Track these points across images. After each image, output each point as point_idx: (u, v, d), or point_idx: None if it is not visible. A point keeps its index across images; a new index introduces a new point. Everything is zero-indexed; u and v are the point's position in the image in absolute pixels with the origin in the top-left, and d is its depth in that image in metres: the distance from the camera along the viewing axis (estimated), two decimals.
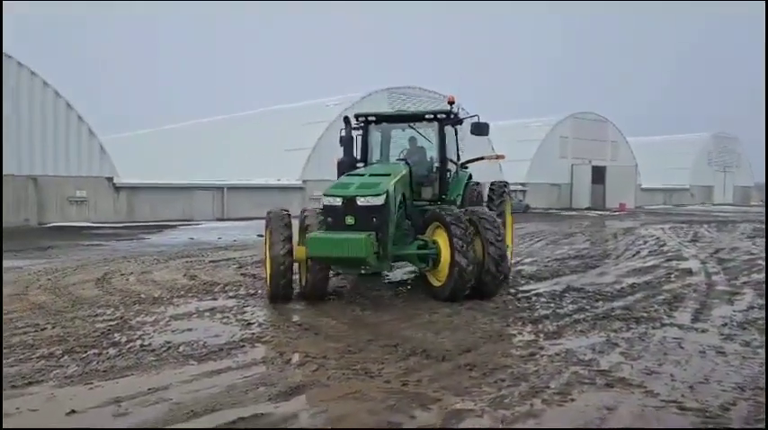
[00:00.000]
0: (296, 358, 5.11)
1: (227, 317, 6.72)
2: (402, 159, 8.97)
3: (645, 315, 6.77)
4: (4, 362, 4.97)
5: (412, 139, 9.31)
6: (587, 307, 7.23)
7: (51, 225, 20.69)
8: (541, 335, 5.85)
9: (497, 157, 10.43)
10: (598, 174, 39.01)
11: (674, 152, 48.48)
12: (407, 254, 7.72)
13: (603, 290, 8.43)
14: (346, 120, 9.03)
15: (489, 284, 7.52)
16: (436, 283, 7.66)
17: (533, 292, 8.23)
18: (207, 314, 6.87)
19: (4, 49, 20.52)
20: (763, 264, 11.23)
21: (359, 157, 9.15)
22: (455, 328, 6.13)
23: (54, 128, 21.67)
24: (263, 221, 8.20)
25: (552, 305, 7.33)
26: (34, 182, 21.09)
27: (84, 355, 5.17)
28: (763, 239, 16.22)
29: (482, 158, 9.86)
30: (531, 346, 5.47)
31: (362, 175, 7.79)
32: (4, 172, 20.44)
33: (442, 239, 7.54)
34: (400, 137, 9.49)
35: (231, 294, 8.09)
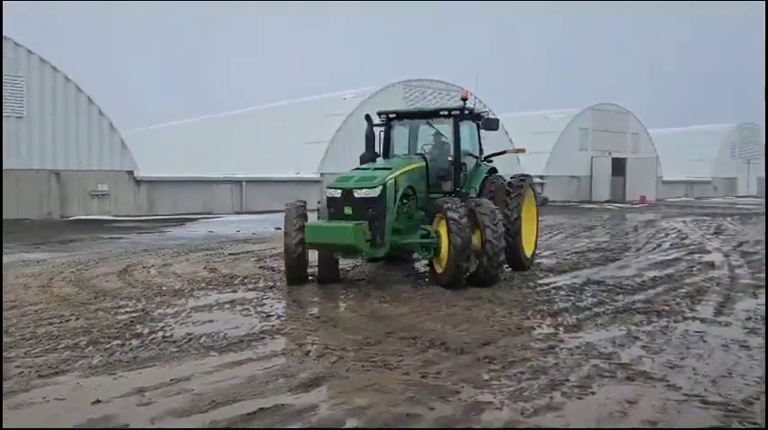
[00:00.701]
0: (315, 350, 5.14)
1: (247, 309, 6.78)
2: (419, 154, 9.28)
3: (666, 308, 6.70)
4: (32, 352, 5.07)
5: (437, 134, 9.50)
6: (607, 300, 7.17)
7: (73, 218, 21.02)
8: (561, 329, 5.82)
9: (518, 151, 10.65)
10: (618, 167, 38.55)
11: (697, 144, 47.71)
12: (411, 242, 8.19)
13: (624, 283, 8.35)
14: (367, 117, 9.48)
15: (489, 269, 7.76)
16: (438, 270, 8.03)
17: (552, 285, 8.18)
18: (227, 306, 6.94)
19: (29, 47, 20.87)
20: None
21: (381, 152, 9.54)
22: (474, 321, 6.12)
23: (76, 123, 21.98)
24: (281, 215, 8.56)
25: (572, 298, 7.28)
26: (57, 176, 21.42)
27: (107, 346, 5.26)
28: None
29: (504, 152, 10.07)
30: (550, 339, 5.44)
31: (366, 169, 8.29)
32: (28, 167, 20.82)
33: (443, 229, 7.83)
34: (427, 132, 9.69)
35: (250, 287, 8.15)
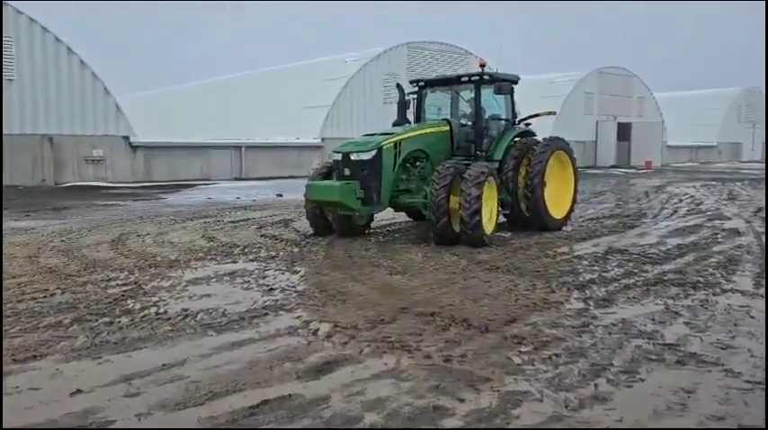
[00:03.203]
0: (324, 329, 4.64)
1: (248, 281, 6.28)
2: (445, 119, 9.67)
3: (701, 280, 6.19)
4: (9, 331, 4.58)
5: (470, 100, 9.67)
6: (635, 270, 6.66)
7: (68, 185, 20.44)
8: (591, 303, 5.32)
9: (549, 113, 10.57)
10: (623, 131, 37.77)
11: (703, 108, 46.75)
12: (412, 202, 8.91)
13: (648, 251, 7.83)
14: (398, 86, 10.19)
15: (465, 231, 8.02)
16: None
17: (574, 254, 7.68)
18: (226, 278, 6.44)
19: (16, 6, 19.95)
20: None
21: (413, 119, 10.12)
22: (495, 295, 5.62)
23: (68, 86, 21.18)
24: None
25: (597, 268, 6.78)
26: (50, 141, 20.75)
27: (94, 325, 4.76)
28: None
29: (536, 115, 10.09)
30: (582, 316, 4.94)
31: (371, 135, 8.97)
32: (20, 131, 20.13)
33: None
34: (466, 98, 9.88)
35: (251, 257, 7.65)
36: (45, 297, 5.63)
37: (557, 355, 3.99)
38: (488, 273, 6.60)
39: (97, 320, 4.87)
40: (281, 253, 7.89)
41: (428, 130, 9.14)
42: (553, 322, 4.75)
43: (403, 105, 9.98)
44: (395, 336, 4.44)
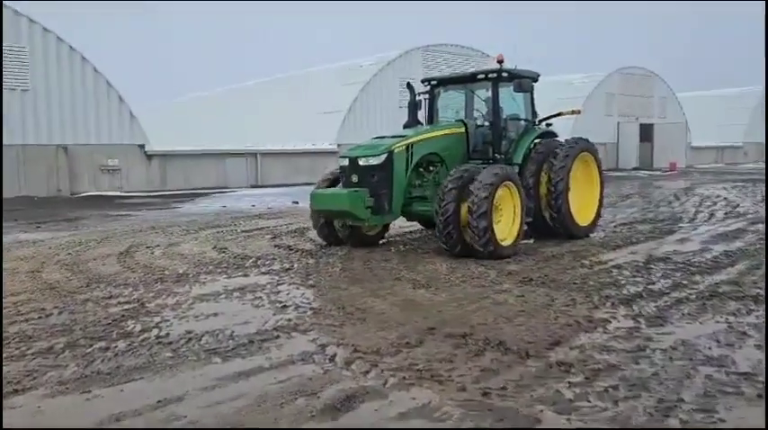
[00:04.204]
0: (342, 354, 4.12)
1: (259, 297, 5.79)
2: (460, 120, 8.97)
3: (761, 292, 5.56)
4: None
5: (487, 100, 8.98)
6: (684, 282, 6.04)
7: (84, 195, 20.22)
8: (642, 321, 4.73)
9: (573, 112, 9.78)
10: (645, 132, 36.87)
11: (728, 107, 45.57)
12: (426, 210, 8.11)
13: (694, 260, 7.20)
14: (409, 85, 9.32)
15: (474, 244, 7.32)
16: None
17: (611, 264, 7.07)
18: (236, 294, 5.95)
19: (31, 15, 19.82)
20: None
21: (425, 120, 9.39)
22: (531, 312, 5.06)
23: (83, 95, 20.99)
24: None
25: (640, 280, 6.17)
26: (65, 151, 20.55)
27: (88, 351, 4.29)
28: None
29: (559, 114, 9.37)
30: (634, 336, 4.36)
31: (381, 137, 8.33)
32: (35, 142, 19.97)
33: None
34: (479, 97, 9.24)
35: (264, 269, 7.16)
36: (40, 317, 5.19)
37: (614, 388, 3.42)
38: (521, 285, 6.04)
39: (92, 345, 4.40)
40: (295, 265, 7.40)
41: (442, 132, 8.48)
42: (602, 345, 4.17)
43: (414, 106, 9.31)
44: (422, 363, 3.91)
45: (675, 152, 36.02)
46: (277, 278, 6.66)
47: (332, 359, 4.04)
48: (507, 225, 7.73)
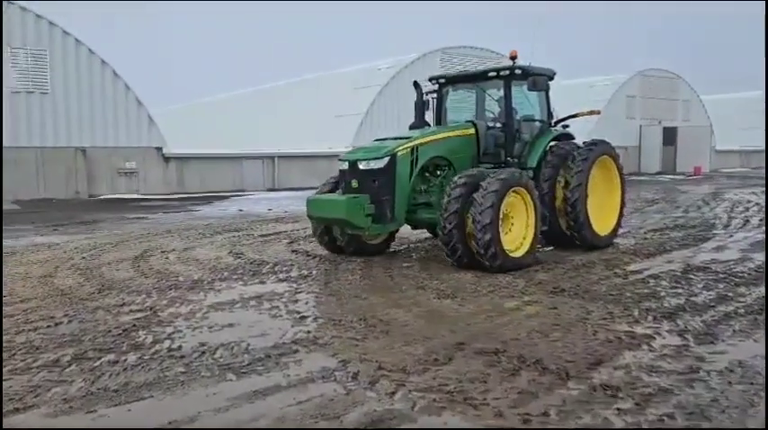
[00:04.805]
0: (365, 371, 3.82)
1: (277, 307, 5.51)
2: (470, 120, 8.33)
3: None
4: None
5: (499, 99, 8.29)
6: (729, 294, 5.65)
7: (101, 197, 20.20)
8: (689, 337, 4.37)
9: (591, 113, 9.09)
10: (668, 136, 36.13)
11: (754, 111, 44.55)
12: (432, 218, 7.43)
13: (735, 269, 6.79)
14: (416, 84, 8.69)
15: (479, 258, 6.75)
16: None
17: (647, 273, 6.69)
18: (252, 303, 5.69)
19: (51, 18, 19.87)
20: None
21: (433, 121, 8.83)
22: (567, 326, 4.72)
23: (101, 97, 21.00)
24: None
25: (681, 291, 5.79)
26: (83, 153, 20.56)
27: (96, 364, 4.04)
28: None
29: (576, 115, 8.71)
30: (684, 355, 4.01)
31: (383, 139, 7.82)
32: (53, 144, 19.99)
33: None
34: (492, 96, 8.53)
35: (281, 276, 6.89)
36: (49, 326, 4.97)
37: (670, 417, 3.08)
38: (552, 296, 5.70)
39: (100, 358, 4.15)
40: (313, 271, 7.13)
41: (450, 134, 7.84)
42: (650, 365, 3.83)
43: (421, 106, 8.63)
44: (453, 383, 3.60)
45: (699, 156, 35.26)
46: (295, 286, 6.39)
47: (355, 377, 3.75)
48: (519, 235, 7.16)
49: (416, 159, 7.41)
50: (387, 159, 7.15)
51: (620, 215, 8.81)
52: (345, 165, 7.45)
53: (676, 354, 4.02)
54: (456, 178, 7.07)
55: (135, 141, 21.69)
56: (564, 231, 8.14)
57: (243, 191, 22.51)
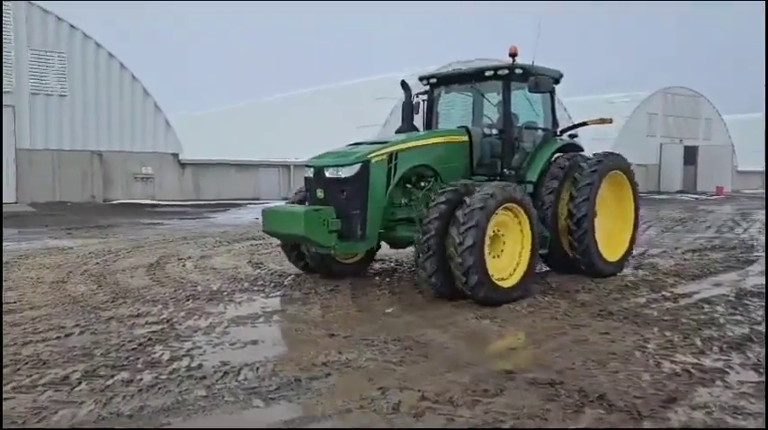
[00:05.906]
0: (407, 401, 3.41)
1: (304, 322, 5.11)
2: (463, 126, 7.28)
3: None
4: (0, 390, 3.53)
5: (498, 104, 7.39)
6: None
7: (117, 202, 20.01)
8: (764, 372, 3.92)
9: (602, 121, 7.84)
10: (689, 155, 35.55)
11: None
12: (412, 237, 6.05)
13: None
14: (404, 84, 7.50)
15: (460, 285, 5.62)
16: None
17: (697, 297, 6.22)
18: (276, 317, 5.30)
19: (70, 21, 19.82)
20: None
21: (423, 125, 7.75)
22: (624, 355, 4.27)
23: (119, 102, 20.89)
24: None
25: (741, 318, 5.32)
26: (99, 157, 20.41)
27: (108, 383, 3.66)
28: None
29: (585, 124, 7.74)
30: (762, 393, 3.56)
31: (359, 144, 6.78)
32: (70, 147, 19.86)
33: None
34: (493, 101, 7.58)
35: (305, 289, 6.50)
36: (59, 337, 4.61)
37: None
38: (600, 320, 5.26)
39: (113, 376, 3.77)
40: (339, 285, 6.72)
41: (437, 140, 6.81)
42: (732, 405, 3.38)
43: (410, 108, 7.48)
44: (510, 419, 3.17)
45: (721, 176, 34.64)
46: (320, 299, 6.00)
47: (396, 408, 3.33)
48: (511, 261, 6.07)
49: (395, 168, 6.36)
50: (358, 167, 6.11)
51: (632, 241, 7.79)
52: (311, 173, 6.48)
53: (757, 393, 3.56)
54: (439, 190, 6.03)
55: (151, 147, 21.54)
56: (567, 252, 7.12)
57: (258, 199, 22.25)
